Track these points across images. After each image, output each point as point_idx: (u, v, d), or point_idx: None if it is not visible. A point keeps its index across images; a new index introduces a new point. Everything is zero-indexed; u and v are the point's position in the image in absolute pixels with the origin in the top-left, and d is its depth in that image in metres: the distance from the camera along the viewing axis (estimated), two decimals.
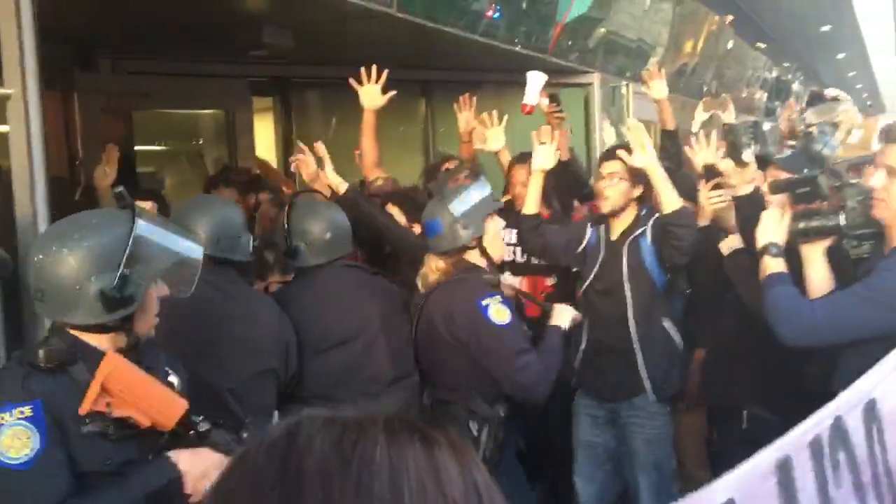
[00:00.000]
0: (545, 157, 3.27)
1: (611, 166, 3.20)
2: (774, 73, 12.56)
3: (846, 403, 1.88)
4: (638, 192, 3.23)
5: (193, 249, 1.87)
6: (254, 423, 1.91)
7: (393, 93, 3.45)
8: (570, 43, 6.75)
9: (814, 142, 3.93)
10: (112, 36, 5.01)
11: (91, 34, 4.96)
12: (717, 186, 3.06)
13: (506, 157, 4.04)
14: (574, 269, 3.47)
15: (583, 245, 3.33)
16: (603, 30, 7.41)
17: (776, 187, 2.80)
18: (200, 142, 6.78)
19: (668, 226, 3.01)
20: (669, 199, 3.00)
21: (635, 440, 3.18)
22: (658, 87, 4.26)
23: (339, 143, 4.54)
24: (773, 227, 2.50)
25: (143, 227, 1.71)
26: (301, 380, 2.73)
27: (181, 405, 1.71)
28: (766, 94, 12.50)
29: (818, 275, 2.48)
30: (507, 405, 2.78)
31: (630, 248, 3.17)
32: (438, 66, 6.42)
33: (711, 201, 3.09)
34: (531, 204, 3.31)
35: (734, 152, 2.99)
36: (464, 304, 2.74)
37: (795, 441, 1.73)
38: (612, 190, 3.18)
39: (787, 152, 3.29)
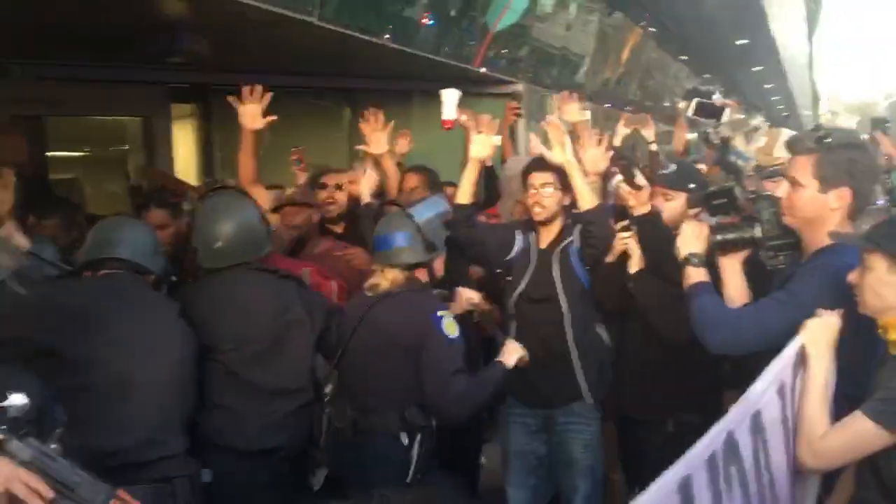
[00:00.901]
0: (482, 146, 3.28)
1: (544, 176, 3.22)
2: (693, 86, 12.91)
3: (736, 418, 1.92)
4: (567, 200, 3.26)
5: None
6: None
7: (273, 118, 3.35)
8: (497, 52, 6.80)
9: (729, 154, 4.03)
10: (22, 40, 4.80)
11: None
12: (625, 228, 3.12)
13: (388, 163, 4.05)
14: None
15: (512, 253, 3.34)
16: (530, 40, 7.49)
17: (694, 200, 2.85)
18: (124, 147, 6.58)
19: (585, 223, 3.09)
20: (586, 197, 3.07)
21: (574, 446, 3.19)
22: (571, 112, 4.33)
23: (265, 149, 4.44)
24: (693, 237, 2.54)
25: None
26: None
27: None
28: (688, 105, 12.85)
29: (735, 286, 2.54)
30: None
31: (561, 256, 3.22)
32: (364, 74, 6.38)
33: (621, 241, 3.12)
34: (464, 194, 3.30)
35: (628, 175, 3.06)
36: (421, 314, 2.78)
37: (695, 459, 1.74)
38: (549, 199, 3.22)
39: (671, 168, 3.36)
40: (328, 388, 2.89)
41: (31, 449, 1.64)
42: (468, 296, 3.15)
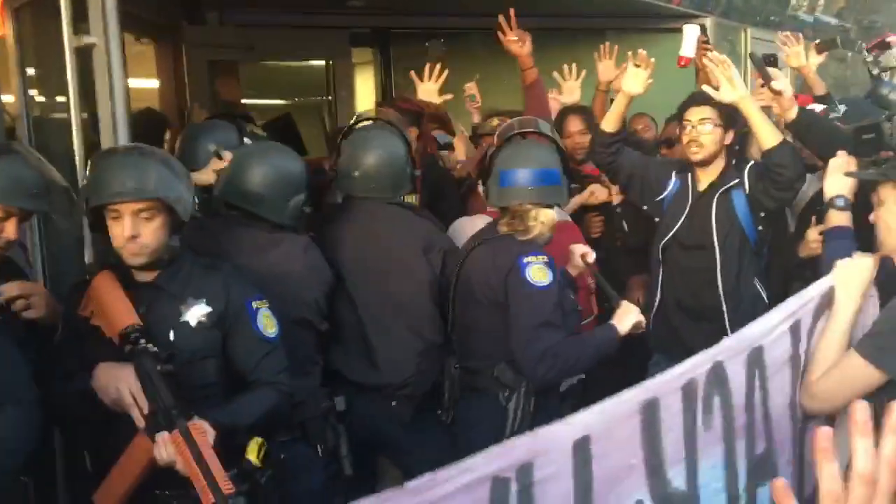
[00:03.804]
0: (635, 80, 3.05)
1: (700, 111, 2.99)
2: None
3: (728, 349, 1.91)
4: (730, 138, 3.04)
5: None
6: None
7: (449, 96, 3.62)
8: None
9: (882, 86, 3.63)
10: None
11: None
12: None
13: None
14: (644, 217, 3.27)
15: (664, 193, 3.13)
16: None
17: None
18: (312, 94, 6.75)
19: (768, 163, 2.85)
20: (766, 135, 2.82)
21: None
22: (797, 56, 3.95)
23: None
24: (841, 178, 2.40)
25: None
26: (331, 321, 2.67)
27: (123, 322, 1.87)
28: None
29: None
30: None
31: (720, 200, 3.00)
32: (548, 12, 6.10)
33: (811, 245, 2.91)
34: (609, 121, 3.12)
35: (765, 77, 2.84)
36: (505, 260, 2.50)
37: (666, 384, 1.77)
38: (705, 137, 2.99)
39: (841, 110, 3.03)
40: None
41: (154, 366, 1.82)
42: (581, 251, 2.78)
